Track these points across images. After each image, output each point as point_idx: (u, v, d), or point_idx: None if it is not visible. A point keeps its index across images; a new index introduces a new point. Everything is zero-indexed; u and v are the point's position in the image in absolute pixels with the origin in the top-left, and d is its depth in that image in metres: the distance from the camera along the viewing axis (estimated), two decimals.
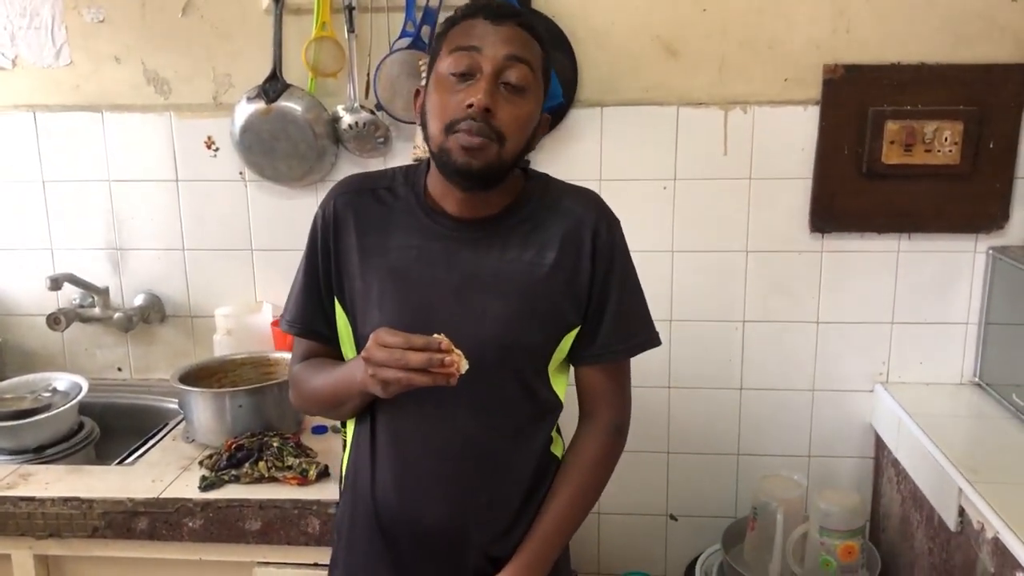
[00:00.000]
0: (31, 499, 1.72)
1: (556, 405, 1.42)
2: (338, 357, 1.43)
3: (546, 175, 1.42)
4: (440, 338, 1.15)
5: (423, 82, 1.35)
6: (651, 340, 1.42)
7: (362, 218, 1.36)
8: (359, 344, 1.36)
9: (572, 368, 1.45)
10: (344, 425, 1.70)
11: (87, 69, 2.22)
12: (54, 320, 2.23)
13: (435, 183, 1.34)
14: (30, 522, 1.72)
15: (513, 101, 1.24)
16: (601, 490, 1.42)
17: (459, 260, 1.32)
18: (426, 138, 1.29)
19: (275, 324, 2.20)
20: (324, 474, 1.75)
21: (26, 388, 2.12)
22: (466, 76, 1.23)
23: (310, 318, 1.42)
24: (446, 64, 1.24)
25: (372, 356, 1.17)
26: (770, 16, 2.05)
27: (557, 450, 1.46)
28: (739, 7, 2.05)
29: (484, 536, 1.37)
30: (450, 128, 1.23)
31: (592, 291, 1.35)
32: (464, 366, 1.15)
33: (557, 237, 1.34)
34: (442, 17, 1.99)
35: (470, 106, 1.21)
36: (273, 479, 1.74)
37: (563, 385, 1.44)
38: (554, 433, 1.46)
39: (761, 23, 2.05)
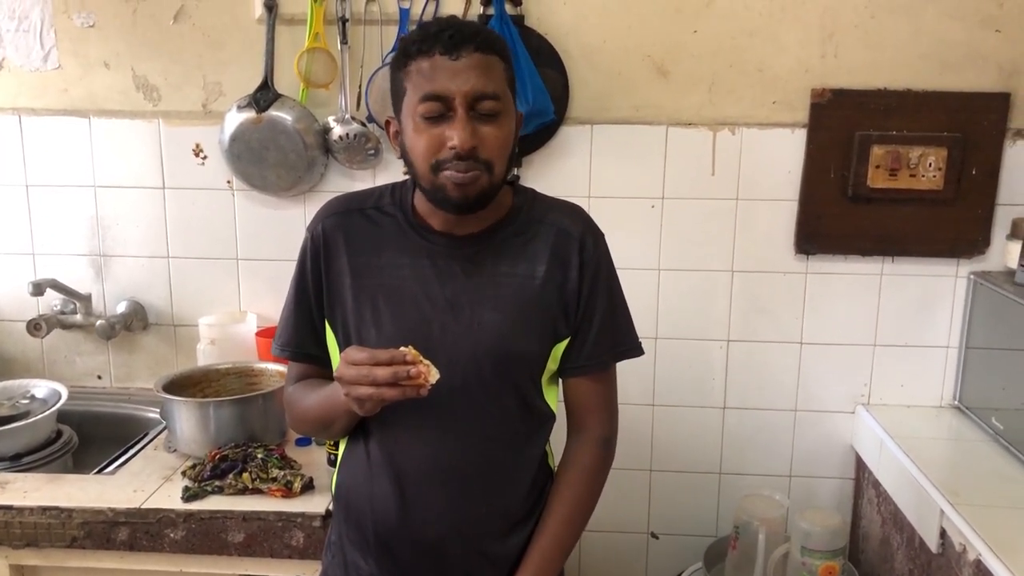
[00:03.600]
0: (8, 508, 1.69)
1: (550, 416, 1.44)
2: (332, 378, 1.43)
3: (532, 190, 1.44)
4: (406, 350, 1.15)
5: (391, 114, 1.34)
6: (635, 348, 1.45)
7: (352, 239, 1.37)
8: None
9: (560, 381, 1.45)
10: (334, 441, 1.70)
11: (75, 74, 2.21)
12: (35, 326, 2.20)
13: (423, 201, 1.35)
14: (7, 531, 1.69)
15: (492, 127, 1.25)
16: (595, 503, 1.44)
17: (452, 276, 1.33)
18: (412, 173, 1.30)
19: (259, 334, 2.19)
20: (309, 487, 1.74)
21: (3, 395, 2.09)
22: (439, 118, 1.23)
23: (302, 341, 1.42)
24: (415, 109, 1.24)
25: (342, 375, 1.18)
26: (760, 39, 2.07)
27: (551, 462, 1.48)
28: (730, 29, 2.07)
29: (484, 544, 1.38)
30: (437, 168, 1.24)
31: (580, 302, 1.37)
32: (434, 376, 1.16)
33: (546, 250, 1.35)
34: None
35: (453, 147, 1.22)
36: (257, 491, 1.72)
37: (554, 397, 1.45)
38: (547, 446, 1.47)
39: (751, 46, 2.08)
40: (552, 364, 1.39)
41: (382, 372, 1.14)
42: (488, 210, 1.32)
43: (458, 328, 1.31)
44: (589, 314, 1.38)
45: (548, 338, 1.37)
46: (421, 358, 1.16)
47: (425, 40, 1.23)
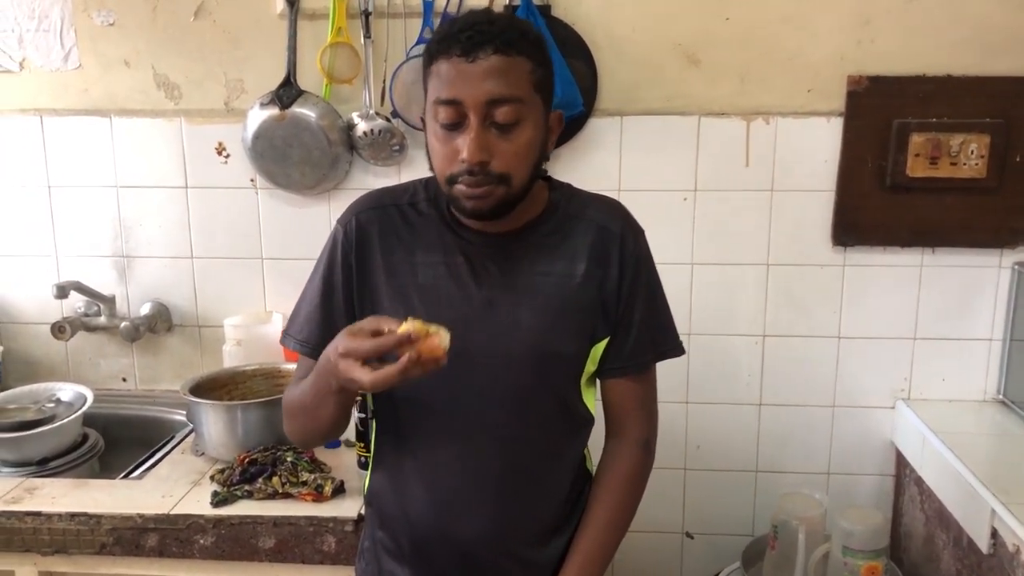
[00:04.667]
0: (37, 514, 1.66)
1: (589, 419, 1.40)
2: None
3: (568, 185, 1.40)
4: (409, 326, 1.08)
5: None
6: (676, 348, 1.40)
7: (387, 235, 1.32)
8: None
9: (598, 382, 1.41)
10: (362, 441, 1.67)
11: (96, 73, 2.18)
12: (59, 329, 2.18)
13: None
14: (36, 538, 1.66)
15: (507, 138, 1.19)
16: (636, 507, 1.40)
17: (489, 275, 1.29)
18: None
19: None
20: (340, 490, 1.70)
21: (29, 398, 2.07)
22: (455, 125, 1.18)
23: (324, 338, 1.32)
24: (433, 112, 1.20)
25: (342, 347, 1.11)
26: (794, 26, 2.02)
27: (589, 465, 1.44)
28: (762, 16, 2.02)
29: (522, 551, 1.34)
30: (451, 180, 1.20)
31: (620, 301, 1.32)
32: (445, 340, 1.09)
33: (585, 248, 1.31)
34: None
35: (463, 160, 1.17)
36: (287, 495, 1.69)
37: (592, 399, 1.40)
38: (585, 450, 1.42)
39: (785, 33, 2.02)
40: (591, 365, 1.35)
41: (368, 345, 1.08)
42: (523, 207, 1.27)
43: (495, 328, 1.27)
44: (629, 313, 1.33)
45: (587, 339, 1.32)
46: (428, 328, 1.08)
47: (444, 40, 1.18)
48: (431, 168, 1.26)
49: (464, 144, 1.17)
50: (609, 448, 1.40)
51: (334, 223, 1.39)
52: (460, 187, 1.19)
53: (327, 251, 1.37)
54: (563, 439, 1.36)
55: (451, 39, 1.17)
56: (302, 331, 1.37)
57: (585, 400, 1.37)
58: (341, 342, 1.11)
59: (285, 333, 1.41)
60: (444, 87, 1.17)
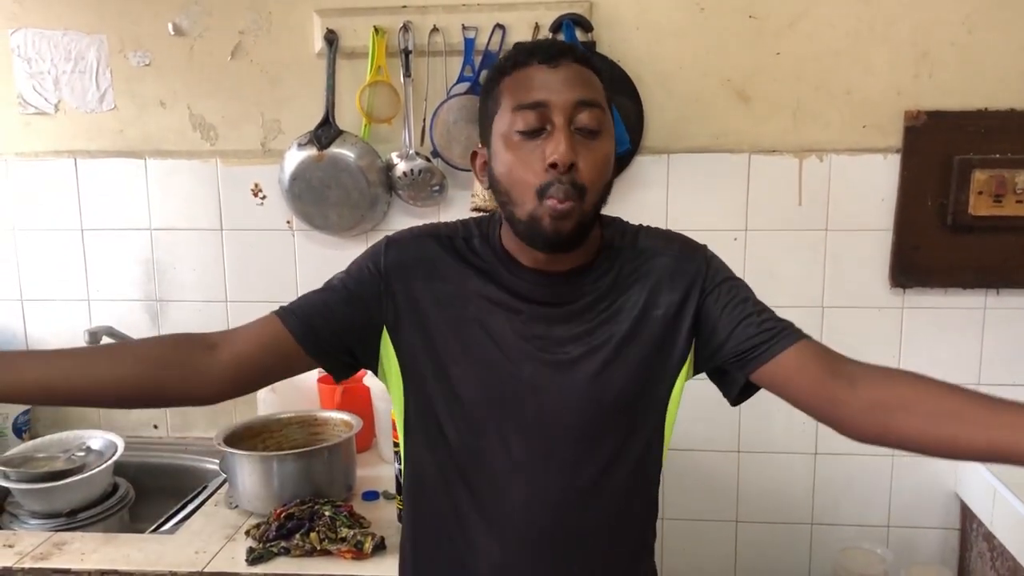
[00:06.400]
0: (66, 571, 1.59)
1: (656, 476, 1.28)
2: (289, 368, 1.24)
3: (619, 219, 1.30)
4: None
5: (479, 144, 1.21)
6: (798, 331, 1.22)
7: (439, 265, 1.23)
8: (421, 401, 1.23)
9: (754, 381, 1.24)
10: (401, 494, 1.58)
11: (131, 114, 2.15)
12: None
13: (510, 237, 1.22)
14: None
15: (591, 147, 1.12)
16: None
17: (545, 318, 1.20)
18: (504, 202, 1.15)
19: (321, 381, 2.09)
20: (380, 547, 1.62)
21: (59, 447, 2.00)
22: (536, 132, 1.11)
23: (311, 320, 1.21)
24: (510, 123, 1.12)
25: None
26: (847, 60, 1.95)
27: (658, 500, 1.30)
28: (815, 51, 1.96)
29: None
30: (541, 193, 1.10)
31: (713, 318, 1.20)
32: None
33: (647, 282, 1.21)
34: None
35: (553, 165, 1.08)
36: (326, 552, 1.60)
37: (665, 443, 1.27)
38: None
39: (838, 67, 1.96)
40: (672, 407, 1.24)
41: None
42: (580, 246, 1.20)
43: (554, 376, 1.18)
44: (736, 311, 1.19)
45: (659, 376, 1.21)
46: None
47: (520, 54, 1.14)
48: (496, 195, 1.16)
49: (553, 146, 1.09)
50: (872, 386, 1.10)
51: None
52: (551, 202, 1.09)
53: (367, 255, 1.26)
54: (629, 490, 1.24)
55: (527, 52, 1.13)
56: (297, 304, 1.24)
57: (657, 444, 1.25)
58: None
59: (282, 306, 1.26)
60: (526, 92, 1.11)
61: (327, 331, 1.22)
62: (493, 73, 1.17)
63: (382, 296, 1.23)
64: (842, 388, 1.13)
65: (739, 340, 1.19)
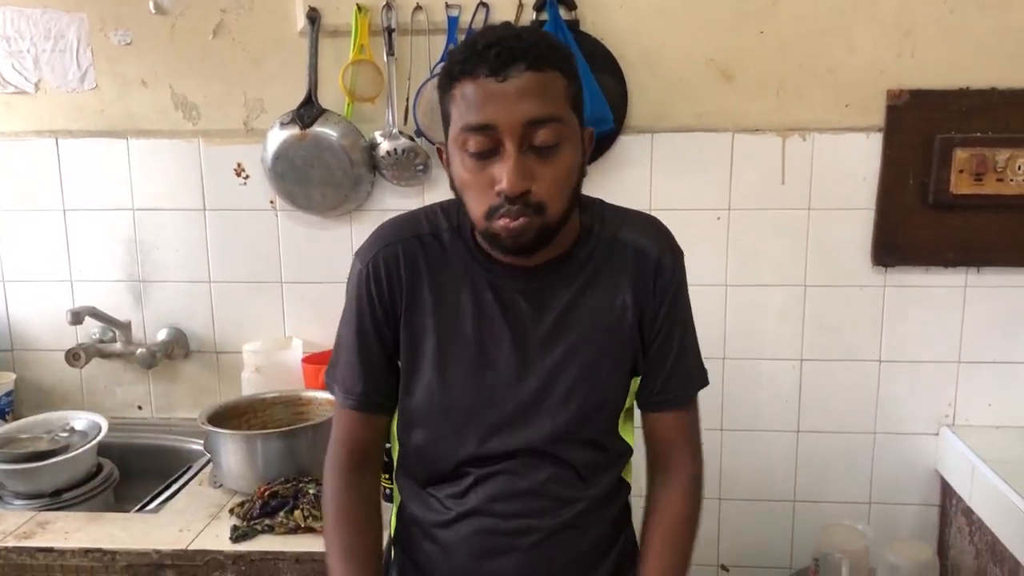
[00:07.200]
0: (50, 550, 1.59)
1: (626, 451, 1.31)
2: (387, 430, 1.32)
3: (599, 202, 1.29)
4: None
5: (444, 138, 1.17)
6: (704, 379, 1.32)
7: (413, 270, 1.22)
8: (403, 408, 1.26)
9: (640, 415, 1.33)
10: (387, 472, 1.59)
11: (113, 93, 2.13)
12: (74, 356, 2.12)
13: None
14: (48, 575, 1.59)
15: (548, 163, 1.08)
16: (693, 550, 1.29)
17: (519, 313, 1.20)
18: (465, 209, 1.14)
19: (306, 360, 2.09)
20: None
21: (43, 428, 2.00)
22: (487, 153, 1.07)
23: (368, 390, 1.25)
24: (462, 141, 1.08)
25: None
26: (831, 39, 1.95)
27: (627, 476, 1.35)
28: (798, 30, 1.95)
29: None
30: (490, 215, 1.09)
31: (659, 330, 1.24)
32: None
33: (622, 275, 1.22)
34: None
35: (501, 191, 1.06)
36: (310, 529, 1.61)
37: (631, 433, 1.32)
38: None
39: (821, 46, 1.96)
40: (630, 400, 1.28)
41: None
42: (558, 236, 1.17)
43: (527, 371, 1.19)
44: (668, 342, 1.25)
45: (627, 374, 1.25)
46: None
47: (469, 59, 1.06)
48: (456, 196, 1.16)
49: (502, 172, 1.05)
50: (659, 489, 1.30)
51: (353, 253, 1.27)
52: (501, 222, 1.08)
53: (354, 292, 1.25)
54: (600, 476, 1.27)
55: (476, 57, 1.05)
56: (345, 381, 1.27)
57: (623, 435, 1.29)
58: None
59: (329, 377, 1.30)
60: (473, 112, 1.05)
61: (383, 377, 1.26)
62: (445, 72, 1.11)
63: (386, 319, 1.24)
64: (661, 467, 1.31)
65: (647, 374, 1.27)
